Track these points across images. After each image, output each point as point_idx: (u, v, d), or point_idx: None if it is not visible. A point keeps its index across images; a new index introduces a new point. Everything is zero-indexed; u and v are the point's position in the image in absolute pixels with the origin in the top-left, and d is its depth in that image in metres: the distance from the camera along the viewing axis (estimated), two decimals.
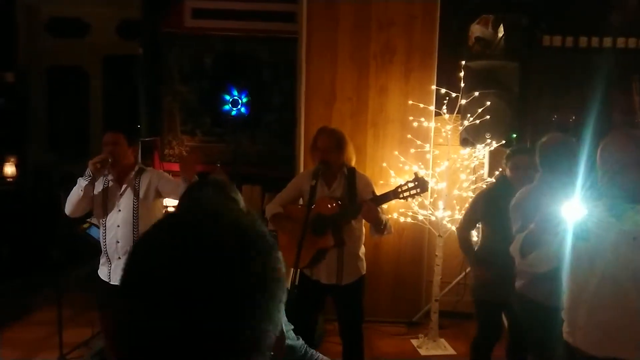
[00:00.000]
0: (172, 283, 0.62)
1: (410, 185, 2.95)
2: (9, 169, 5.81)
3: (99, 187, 3.10)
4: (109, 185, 3.11)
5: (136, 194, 3.08)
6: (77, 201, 3.02)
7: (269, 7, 5.15)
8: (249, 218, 0.71)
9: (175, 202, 3.17)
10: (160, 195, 3.14)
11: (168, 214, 0.74)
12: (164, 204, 3.39)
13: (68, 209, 3.09)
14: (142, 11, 5.25)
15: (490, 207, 3.21)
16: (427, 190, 3.08)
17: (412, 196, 2.98)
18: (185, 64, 5.27)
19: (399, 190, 2.98)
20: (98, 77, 6.68)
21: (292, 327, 1.81)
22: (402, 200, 3.06)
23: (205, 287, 0.62)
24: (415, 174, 3.03)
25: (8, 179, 5.79)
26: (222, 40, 5.22)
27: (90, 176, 2.98)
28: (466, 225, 3.41)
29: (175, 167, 5.45)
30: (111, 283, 3.13)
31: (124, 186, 3.10)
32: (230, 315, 0.63)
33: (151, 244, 0.67)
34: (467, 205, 3.68)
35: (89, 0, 6.35)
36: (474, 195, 4.31)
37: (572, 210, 1.84)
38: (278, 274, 0.69)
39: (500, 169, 3.55)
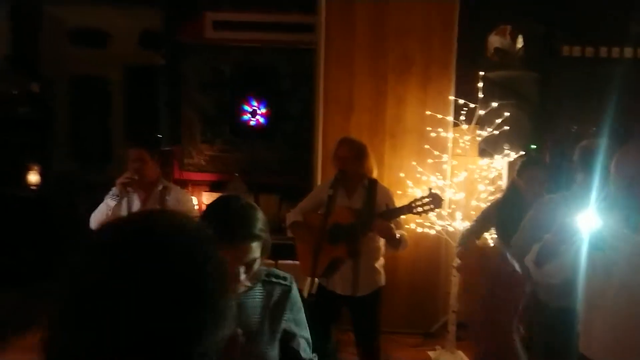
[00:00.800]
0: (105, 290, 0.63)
1: (425, 200, 2.96)
2: (33, 177, 5.92)
3: (123, 203, 3.09)
4: (133, 201, 3.11)
5: None
6: (105, 220, 3.04)
7: (288, 19, 5.20)
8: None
9: None
10: None
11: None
12: None
13: (94, 225, 3.09)
14: (163, 22, 5.34)
15: (501, 216, 3.19)
16: (440, 207, 3.08)
17: (426, 212, 2.99)
18: (205, 74, 5.34)
19: (412, 205, 2.99)
20: (120, 87, 6.80)
21: (309, 339, 1.83)
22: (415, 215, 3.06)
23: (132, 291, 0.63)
24: (430, 189, 3.04)
25: (32, 187, 5.90)
26: (241, 51, 5.28)
27: (117, 196, 2.99)
28: (474, 230, 3.38)
29: (195, 176, 5.52)
30: None
31: (148, 204, 3.09)
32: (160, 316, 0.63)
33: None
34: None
35: (111, 12, 6.46)
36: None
37: (588, 220, 1.83)
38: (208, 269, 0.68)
39: (512, 179, 3.52)
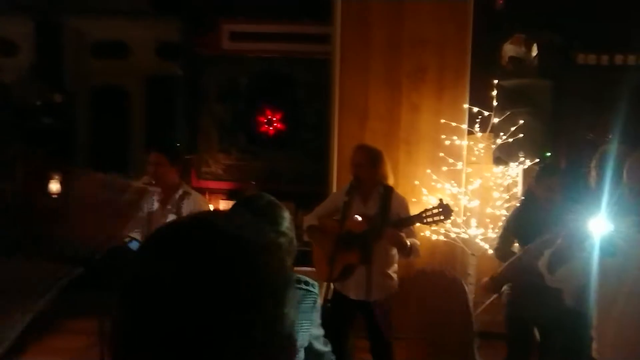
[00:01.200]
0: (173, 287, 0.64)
1: (435, 211, 3.00)
2: (54, 186, 6.05)
3: (144, 207, 3.16)
4: (154, 205, 3.19)
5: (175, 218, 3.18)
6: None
7: (303, 30, 5.28)
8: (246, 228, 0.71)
9: None
10: None
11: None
12: None
13: None
14: (181, 34, 5.46)
15: (519, 223, 3.21)
16: (450, 218, 3.11)
17: (436, 222, 3.03)
18: (222, 85, 5.44)
19: (423, 215, 3.03)
20: (139, 97, 6.94)
21: (323, 332, 1.84)
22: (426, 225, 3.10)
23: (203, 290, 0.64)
24: (440, 200, 3.08)
25: (53, 195, 6.03)
26: (257, 62, 5.38)
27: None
28: (501, 244, 3.40)
29: (212, 184, 5.61)
30: None
31: (168, 207, 3.17)
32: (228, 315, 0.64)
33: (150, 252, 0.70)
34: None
35: (130, 24, 6.62)
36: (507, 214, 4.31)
37: (599, 225, 1.84)
38: (278, 274, 0.69)
39: (528, 186, 3.53)
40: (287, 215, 1.64)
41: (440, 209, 2.99)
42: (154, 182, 3.07)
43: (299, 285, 1.66)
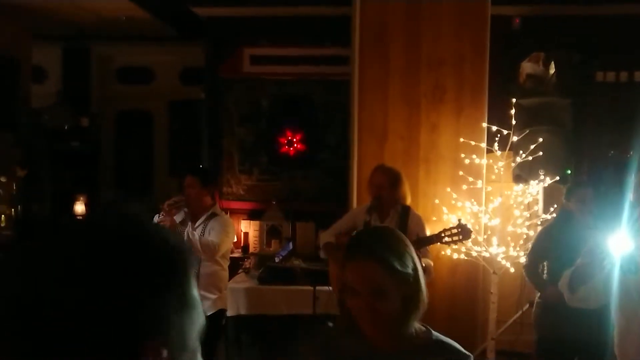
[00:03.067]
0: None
1: (454, 231, 3.03)
2: (79, 207, 6.20)
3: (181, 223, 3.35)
4: (184, 221, 3.38)
5: (200, 235, 3.32)
6: None
7: (322, 52, 5.39)
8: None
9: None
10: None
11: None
12: (230, 249, 3.57)
13: None
14: (204, 59, 5.60)
15: (553, 243, 3.18)
16: (469, 238, 3.13)
17: (455, 242, 3.05)
18: (243, 107, 5.55)
19: (442, 235, 3.06)
20: (163, 121, 7.11)
21: None
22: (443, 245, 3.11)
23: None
24: (459, 220, 3.11)
25: (78, 216, 6.18)
26: (277, 84, 5.49)
27: (163, 215, 3.23)
28: (531, 263, 3.36)
29: (234, 205, 5.69)
30: None
31: (195, 226, 3.35)
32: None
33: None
34: (529, 243, 3.66)
35: (154, 50, 6.83)
36: (535, 233, 4.27)
37: (620, 243, 1.84)
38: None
39: (561, 205, 3.49)
40: (403, 244, 1.39)
41: (459, 229, 3.02)
42: (183, 202, 3.26)
43: (439, 352, 1.37)
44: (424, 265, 3.06)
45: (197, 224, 3.35)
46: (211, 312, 3.32)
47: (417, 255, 1.37)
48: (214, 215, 3.37)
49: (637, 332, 1.92)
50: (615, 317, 2.01)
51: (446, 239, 3.04)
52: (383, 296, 1.29)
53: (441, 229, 3.15)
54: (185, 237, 3.25)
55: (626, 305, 1.95)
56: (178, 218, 3.36)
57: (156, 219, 3.24)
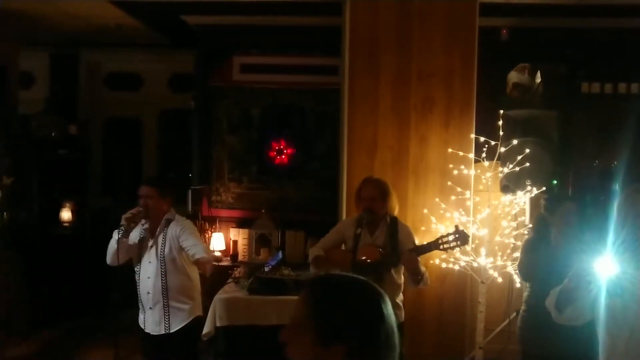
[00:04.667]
0: None
1: (451, 237, 3.06)
2: (66, 214, 6.16)
3: (136, 237, 3.26)
4: (144, 235, 3.27)
5: (161, 246, 3.22)
6: (114, 253, 3.18)
7: (312, 62, 5.42)
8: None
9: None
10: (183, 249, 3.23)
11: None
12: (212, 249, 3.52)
13: (108, 259, 3.26)
14: (194, 67, 5.61)
15: (533, 251, 3.19)
16: (467, 243, 3.17)
17: (452, 248, 3.08)
18: (233, 116, 5.56)
19: (439, 242, 3.09)
20: (152, 128, 7.10)
21: None
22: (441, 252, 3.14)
23: None
24: (456, 226, 3.13)
25: (64, 224, 6.13)
26: (268, 93, 5.51)
27: (123, 230, 3.14)
28: (525, 270, 3.34)
29: (223, 212, 5.69)
30: (145, 331, 3.31)
31: (154, 238, 3.25)
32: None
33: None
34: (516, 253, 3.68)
35: (144, 57, 6.82)
36: (522, 242, 4.30)
37: (605, 266, 1.88)
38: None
39: (539, 215, 3.47)
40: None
41: (457, 235, 3.05)
42: (142, 213, 3.18)
43: None
44: (422, 272, 3.10)
45: (154, 239, 3.26)
46: (188, 321, 3.28)
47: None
48: (169, 220, 3.28)
49: (622, 352, 1.96)
50: (600, 335, 2.05)
51: (444, 245, 3.08)
52: None
53: (438, 236, 3.17)
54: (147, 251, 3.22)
55: (612, 325, 1.99)
56: (135, 234, 3.27)
57: (115, 235, 3.16)
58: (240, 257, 5.29)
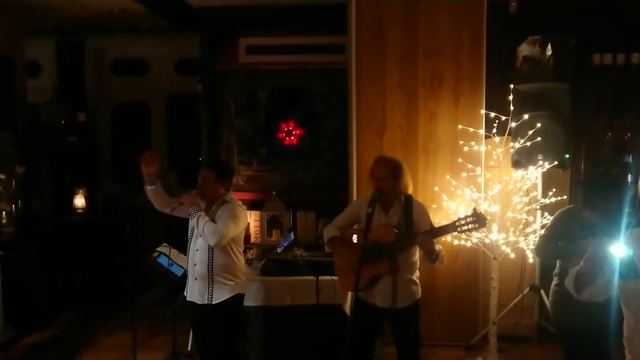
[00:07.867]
0: None
1: (469, 219, 3.04)
2: (79, 201, 6.21)
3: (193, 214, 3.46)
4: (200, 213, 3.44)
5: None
6: (153, 200, 3.56)
7: (318, 41, 5.35)
8: None
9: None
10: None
11: None
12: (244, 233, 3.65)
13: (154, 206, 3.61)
14: (200, 50, 5.57)
15: (570, 228, 3.09)
16: (484, 226, 3.13)
17: (470, 230, 3.06)
18: (241, 98, 5.53)
19: (457, 224, 3.07)
20: (160, 112, 7.09)
21: None
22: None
23: None
24: (474, 209, 3.11)
25: (78, 210, 6.19)
26: (275, 74, 5.47)
27: (146, 183, 3.52)
28: (545, 244, 3.28)
29: (233, 195, 5.70)
30: (187, 300, 3.53)
31: (207, 215, 3.43)
32: None
33: None
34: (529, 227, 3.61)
35: (150, 42, 6.80)
36: (534, 218, 4.27)
37: (618, 250, 1.86)
38: None
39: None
40: None
41: (474, 217, 3.03)
42: (197, 193, 3.41)
43: None
44: (438, 251, 3.10)
45: (209, 212, 3.45)
46: (230, 296, 3.41)
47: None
48: (224, 202, 3.46)
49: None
50: (624, 311, 2.06)
51: (463, 227, 3.06)
52: None
53: (455, 219, 3.16)
54: (195, 223, 3.40)
55: (631, 304, 1.99)
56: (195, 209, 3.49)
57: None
58: (252, 239, 5.31)
